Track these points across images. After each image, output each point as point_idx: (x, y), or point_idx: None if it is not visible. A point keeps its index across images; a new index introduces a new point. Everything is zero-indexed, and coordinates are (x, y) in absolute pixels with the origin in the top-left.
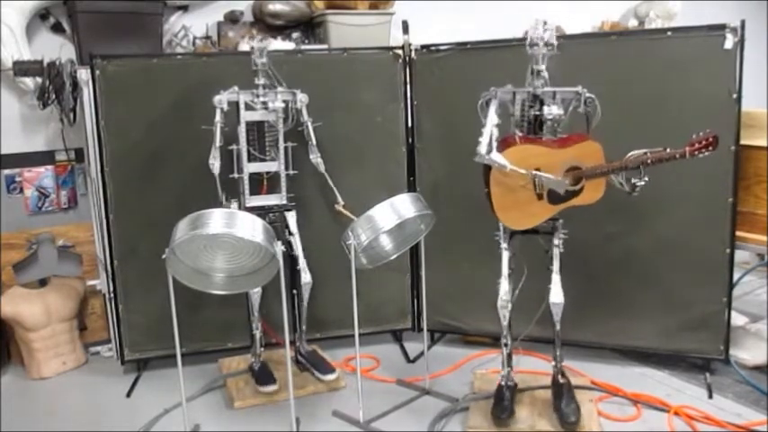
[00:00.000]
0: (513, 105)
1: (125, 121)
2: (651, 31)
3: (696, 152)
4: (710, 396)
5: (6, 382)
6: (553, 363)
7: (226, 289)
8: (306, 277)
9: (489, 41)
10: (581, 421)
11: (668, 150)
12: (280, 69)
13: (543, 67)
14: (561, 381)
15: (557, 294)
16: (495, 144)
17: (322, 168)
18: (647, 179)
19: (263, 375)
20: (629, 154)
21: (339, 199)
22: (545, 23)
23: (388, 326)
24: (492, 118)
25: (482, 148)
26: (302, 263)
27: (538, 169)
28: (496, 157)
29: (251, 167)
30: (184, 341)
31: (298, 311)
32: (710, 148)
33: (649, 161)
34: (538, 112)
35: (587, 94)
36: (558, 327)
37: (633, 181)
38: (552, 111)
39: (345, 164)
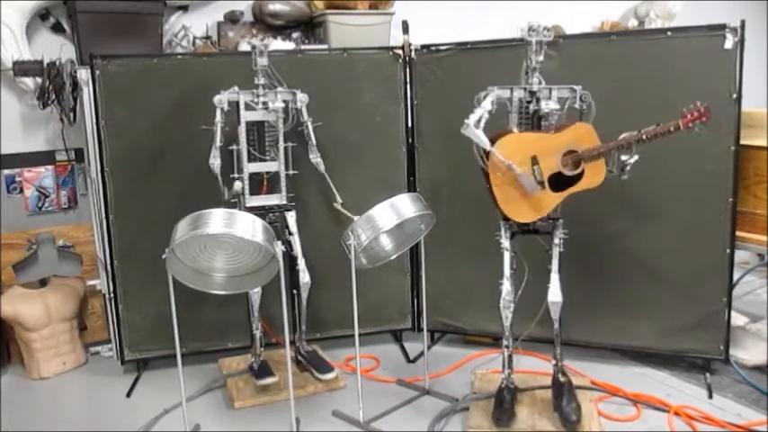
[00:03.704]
0: (510, 104)
1: (125, 121)
2: (651, 31)
3: (690, 123)
4: (710, 396)
5: (6, 382)
6: (554, 362)
7: (226, 289)
8: (305, 278)
9: (489, 41)
10: (582, 420)
11: (661, 125)
12: (280, 69)
13: (541, 58)
14: (562, 380)
15: (555, 293)
16: (482, 125)
17: (322, 168)
18: (636, 157)
19: (261, 370)
20: (623, 135)
21: (338, 198)
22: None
23: (388, 326)
24: (486, 104)
25: (471, 121)
26: (301, 263)
27: (534, 157)
28: (482, 134)
29: (251, 167)
30: (184, 341)
31: (297, 312)
32: (703, 119)
33: (644, 137)
34: (535, 108)
35: (582, 91)
36: (557, 325)
37: (623, 158)
38: (549, 105)
39: (345, 164)
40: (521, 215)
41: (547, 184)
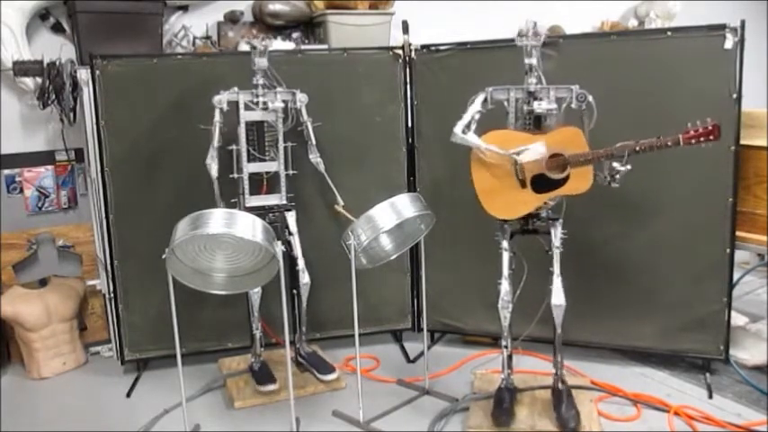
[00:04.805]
0: (508, 104)
1: (125, 121)
2: (651, 31)
3: (692, 140)
4: (710, 396)
5: (6, 382)
6: (554, 371)
7: (226, 289)
8: (305, 278)
9: (489, 41)
10: (580, 426)
11: (661, 138)
12: (279, 69)
13: (534, 61)
14: (561, 388)
15: (558, 297)
16: (473, 126)
17: (322, 168)
18: (629, 167)
19: (262, 375)
20: (618, 144)
21: (339, 199)
22: (535, 23)
23: (388, 326)
24: (475, 106)
25: (458, 129)
26: (301, 263)
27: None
28: (471, 137)
29: (251, 167)
30: (184, 341)
31: (297, 313)
32: (711, 137)
33: (638, 148)
34: (530, 108)
35: (579, 90)
36: (559, 330)
37: (614, 165)
38: (542, 105)
39: (345, 164)
40: (502, 211)
41: (529, 184)
